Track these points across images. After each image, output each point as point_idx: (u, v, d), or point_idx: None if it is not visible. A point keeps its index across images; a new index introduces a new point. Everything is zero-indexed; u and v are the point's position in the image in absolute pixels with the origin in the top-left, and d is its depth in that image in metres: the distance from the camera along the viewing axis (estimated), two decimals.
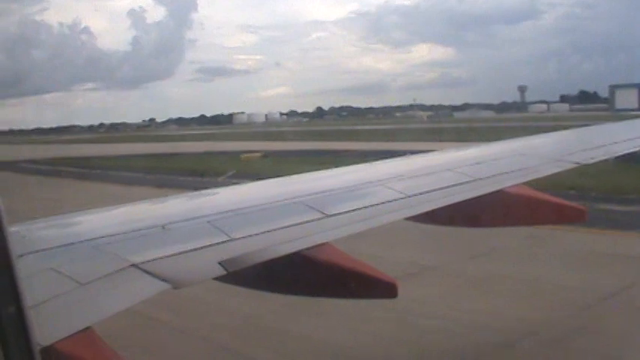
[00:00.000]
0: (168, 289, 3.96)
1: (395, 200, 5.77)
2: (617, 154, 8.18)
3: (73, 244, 4.39)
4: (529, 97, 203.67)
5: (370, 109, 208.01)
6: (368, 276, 5.04)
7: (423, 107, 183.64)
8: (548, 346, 10.89)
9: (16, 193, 35.46)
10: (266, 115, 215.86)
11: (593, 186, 24.63)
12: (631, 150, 8.23)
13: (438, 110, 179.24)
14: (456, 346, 11.21)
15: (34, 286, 3.56)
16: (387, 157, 7.98)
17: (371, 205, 5.60)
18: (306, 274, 4.94)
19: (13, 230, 3.80)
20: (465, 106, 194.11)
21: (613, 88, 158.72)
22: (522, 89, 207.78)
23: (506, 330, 11.75)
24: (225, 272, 4.25)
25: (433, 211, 5.83)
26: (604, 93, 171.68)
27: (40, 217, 5.12)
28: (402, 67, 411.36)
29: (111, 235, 4.56)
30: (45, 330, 3.12)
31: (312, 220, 5.16)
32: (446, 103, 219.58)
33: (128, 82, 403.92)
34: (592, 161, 7.48)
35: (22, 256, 3.93)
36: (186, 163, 51.63)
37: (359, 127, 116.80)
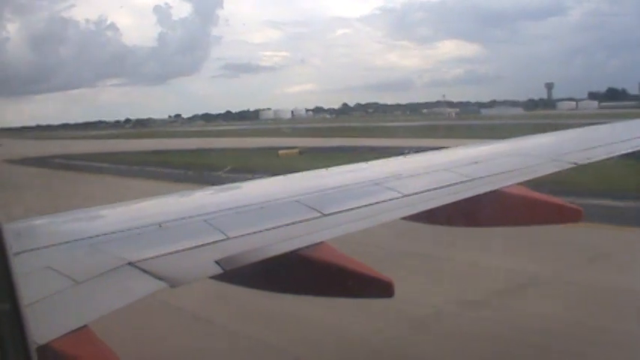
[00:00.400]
0: (164, 288, 3.96)
1: (392, 200, 5.79)
2: (614, 154, 8.12)
3: (69, 242, 4.42)
4: (556, 94, 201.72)
5: (396, 106, 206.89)
6: (364, 275, 5.06)
7: (449, 104, 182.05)
8: None
9: (52, 190, 35.17)
10: (292, 112, 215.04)
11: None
12: (628, 150, 8.21)
13: (464, 107, 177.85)
14: None
15: (31, 284, 3.65)
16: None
17: (368, 205, 5.61)
18: (303, 273, 4.94)
19: (9, 228, 3.89)
20: (492, 103, 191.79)
21: None
22: (549, 86, 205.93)
23: None
24: (221, 271, 4.25)
25: (430, 211, 5.83)
26: (632, 90, 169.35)
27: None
28: (428, 64, 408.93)
29: (108, 234, 4.59)
30: (41, 328, 3.14)
31: (309, 219, 5.18)
32: (472, 99, 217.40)
33: (154, 78, 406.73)
34: (589, 161, 7.50)
35: (18, 254, 3.98)
36: (224, 160, 50.35)
37: (389, 124, 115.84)
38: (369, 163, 7.67)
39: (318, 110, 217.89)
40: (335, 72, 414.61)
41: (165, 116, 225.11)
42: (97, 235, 4.55)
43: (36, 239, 4.43)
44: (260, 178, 9.01)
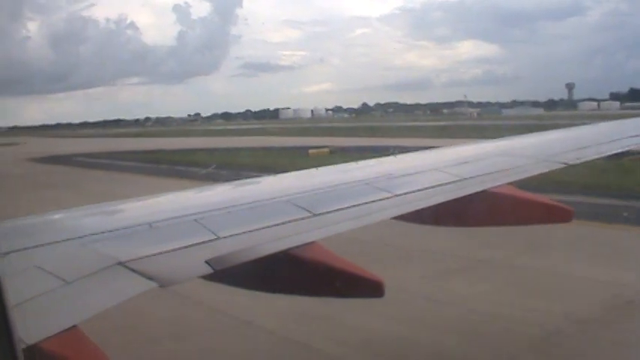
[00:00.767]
0: (154, 288, 3.92)
1: (382, 200, 5.77)
2: (604, 155, 8.10)
3: (58, 241, 4.40)
4: (576, 94, 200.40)
5: (416, 106, 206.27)
6: (355, 275, 5.03)
7: (470, 104, 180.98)
8: None
9: (82, 189, 34.52)
10: (312, 111, 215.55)
11: None
12: (618, 150, 8.19)
13: (484, 107, 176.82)
14: None
15: (20, 284, 3.62)
16: None
17: (358, 205, 5.59)
18: (294, 273, 4.91)
19: None
20: (512, 104, 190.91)
21: None
22: (570, 87, 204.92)
23: None
24: (211, 271, 4.23)
25: (420, 211, 5.81)
26: None
27: None
28: (447, 64, 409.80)
29: (97, 233, 4.56)
30: (30, 329, 3.13)
31: (300, 219, 5.15)
32: (491, 100, 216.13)
33: (173, 76, 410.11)
34: (579, 161, 7.47)
35: (7, 253, 3.97)
36: (252, 159, 49.77)
37: (412, 124, 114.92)
38: (360, 162, 7.66)
39: (337, 110, 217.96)
40: (354, 71, 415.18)
41: (185, 115, 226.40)
42: (87, 235, 4.51)
43: (25, 239, 4.39)
44: None
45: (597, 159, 7.93)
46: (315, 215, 5.24)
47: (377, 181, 6.25)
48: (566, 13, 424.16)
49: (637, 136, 8.77)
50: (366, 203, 5.65)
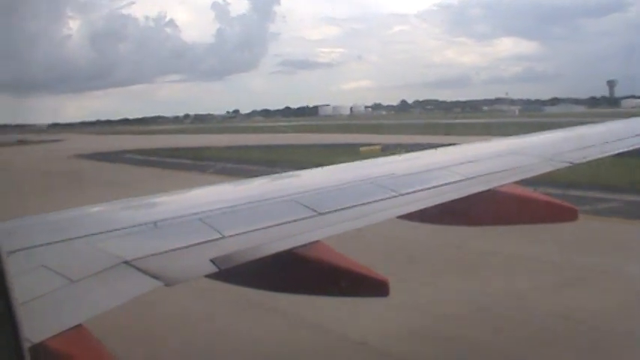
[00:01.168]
0: (160, 287, 3.93)
1: (387, 199, 5.78)
2: (609, 154, 8.04)
3: (64, 240, 4.40)
4: (618, 91, 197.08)
5: (455, 103, 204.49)
6: (360, 274, 5.04)
7: (509, 101, 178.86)
8: None
9: (146, 188, 33.98)
10: (351, 108, 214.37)
11: None
12: (624, 149, 8.19)
13: (525, 104, 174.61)
14: None
15: (26, 282, 3.65)
16: None
17: (363, 204, 5.60)
18: (298, 272, 4.91)
19: (3, 227, 4.35)
20: (554, 101, 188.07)
21: None
22: (612, 84, 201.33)
23: None
24: (217, 270, 4.24)
25: (424, 210, 5.82)
26: None
27: None
28: (486, 61, 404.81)
29: (103, 232, 4.58)
30: (36, 327, 3.17)
31: (305, 218, 5.17)
32: (531, 97, 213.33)
33: (212, 74, 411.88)
34: (584, 160, 7.51)
35: (13, 252, 3.98)
36: (305, 156, 48.23)
37: (455, 121, 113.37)
38: (365, 161, 7.79)
39: (376, 107, 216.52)
40: (392, 68, 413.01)
41: (224, 112, 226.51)
42: (93, 234, 4.53)
43: (31, 238, 4.41)
44: None
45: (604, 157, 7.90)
46: (320, 214, 5.26)
47: (382, 180, 6.26)
48: (607, 9, 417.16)
49: None
50: (371, 202, 5.68)
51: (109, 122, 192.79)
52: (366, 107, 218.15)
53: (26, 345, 2.28)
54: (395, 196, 5.85)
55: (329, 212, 5.33)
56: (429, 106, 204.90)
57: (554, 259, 16.48)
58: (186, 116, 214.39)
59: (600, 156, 7.85)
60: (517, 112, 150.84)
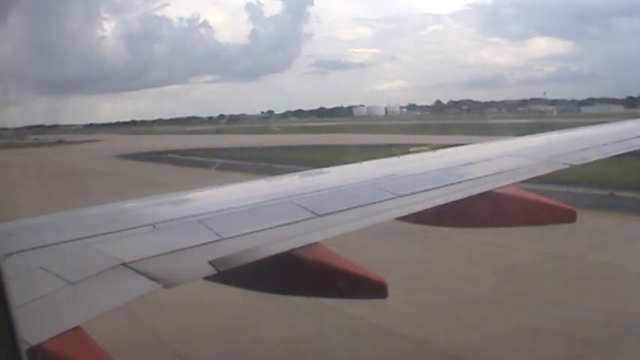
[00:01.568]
0: (158, 289, 3.94)
1: (386, 200, 5.79)
2: (608, 155, 8.04)
3: (62, 242, 4.40)
4: None
5: (490, 103, 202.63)
6: (358, 276, 5.05)
7: (546, 101, 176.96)
8: None
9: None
10: (386, 108, 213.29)
11: None
12: (622, 151, 8.17)
13: (561, 105, 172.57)
14: None
15: (23, 285, 3.66)
16: None
17: (361, 206, 5.61)
18: (297, 273, 4.92)
19: (1, 229, 4.60)
20: (590, 101, 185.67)
21: None
22: None
23: None
24: (215, 272, 4.24)
25: (423, 212, 5.81)
26: None
27: None
28: (520, 61, 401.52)
29: (101, 234, 4.58)
30: (34, 329, 3.18)
31: (303, 220, 5.17)
32: (566, 97, 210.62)
33: (245, 74, 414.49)
34: (583, 162, 7.52)
35: (11, 254, 4.00)
36: (352, 157, 47.66)
37: (494, 121, 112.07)
38: (364, 163, 7.73)
39: (411, 107, 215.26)
40: (426, 69, 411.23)
41: (258, 112, 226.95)
42: (91, 236, 4.51)
43: (29, 240, 4.38)
44: None
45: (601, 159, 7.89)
46: (318, 216, 5.26)
47: (380, 181, 6.28)
48: None
49: None
50: (370, 204, 5.68)
51: (143, 122, 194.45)
52: (401, 108, 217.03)
53: (24, 347, 2.27)
54: (394, 198, 5.87)
55: (328, 214, 5.34)
56: (465, 107, 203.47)
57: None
58: (221, 116, 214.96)
59: (599, 158, 7.87)
60: (555, 112, 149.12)
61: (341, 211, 5.45)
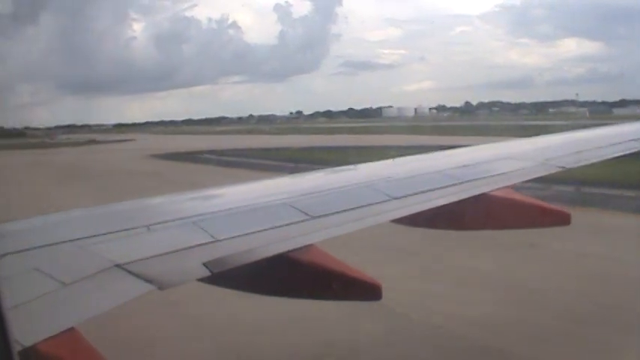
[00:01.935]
0: (152, 290, 3.92)
1: (380, 202, 5.80)
2: (603, 158, 8.07)
3: (56, 244, 4.38)
4: None
5: (521, 104, 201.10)
6: (353, 278, 5.04)
7: (576, 103, 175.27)
8: None
9: None
10: (415, 109, 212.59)
11: None
12: (617, 154, 8.22)
13: (592, 106, 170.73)
14: None
15: (17, 286, 3.63)
16: None
17: (356, 208, 5.63)
18: (291, 275, 4.91)
19: None
20: (622, 102, 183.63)
21: None
22: None
23: None
24: (209, 273, 4.24)
25: (418, 214, 5.82)
26: None
27: None
28: (549, 62, 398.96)
29: (95, 236, 4.55)
30: (27, 330, 3.16)
31: (298, 222, 5.18)
32: (596, 99, 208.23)
33: (274, 75, 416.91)
34: (577, 165, 7.58)
35: (4, 255, 3.98)
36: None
37: (525, 123, 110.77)
38: (359, 165, 7.84)
39: (440, 108, 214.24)
40: (454, 70, 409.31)
41: (287, 113, 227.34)
42: (85, 237, 4.49)
43: (23, 241, 4.39)
44: None
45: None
46: (313, 218, 5.26)
47: (376, 183, 6.28)
48: None
49: (638, 139, 8.78)
50: (364, 206, 5.68)
51: (173, 122, 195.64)
52: (431, 109, 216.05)
53: (16, 348, 2.26)
54: (389, 200, 5.87)
55: (322, 216, 5.34)
56: (495, 108, 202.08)
57: None
58: (250, 117, 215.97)
59: (594, 161, 7.91)
60: (587, 113, 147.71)
61: (335, 213, 5.46)
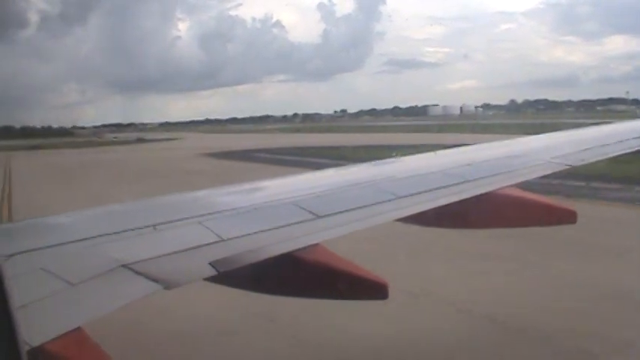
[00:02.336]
0: (159, 290, 3.93)
1: (385, 202, 5.79)
2: (608, 156, 8.08)
3: (63, 244, 4.40)
4: None
5: (568, 103, 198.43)
6: (359, 277, 5.05)
7: (626, 101, 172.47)
8: None
9: None
10: (461, 108, 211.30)
11: None
12: (622, 152, 8.21)
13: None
14: None
15: (24, 286, 3.66)
16: None
17: (361, 207, 5.62)
18: (297, 275, 4.93)
19: (2, 230, 4.88)
20: None
21: None
22: None
23: None
24: (215, 273, 4.25)
25: (423, 213, 5.81)
26: None
27: None
28: (594, 60, 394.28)
29: (101, 235, 4.57)
30: (34, 330, 3.18)
31: (304, 221, 5.18)
32: None
33: (317, 74, 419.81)
34: (582, 163, 7.59)
35: (12, 255, 3.99)
36: None
37: (574, 121, 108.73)
38: (364, 165, 7.92)
39: (486, 107, 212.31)
40: (498, 68, 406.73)
41: (331, 111, 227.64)
42: (91, 237, 4.51)
43: (29, 241, 4.43)
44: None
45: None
46: (319, 217, 5.27)
47: (380, 182, 6.32)
48: None
49: None
50: (370, 205, 5.68)
51: (217, 121, 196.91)
52: (476, 107, 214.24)
53: (25, 349, 2.26)
54: (394, 199, 5.87)
55: (328, 215, 5.34)
56: (541, 106, 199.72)
57: None
58: (295, 115, 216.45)
59: (599, 158, 7.92)
60: (638, 112, 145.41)
61: (341, 212, 5.47)
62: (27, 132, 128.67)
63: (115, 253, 4.28)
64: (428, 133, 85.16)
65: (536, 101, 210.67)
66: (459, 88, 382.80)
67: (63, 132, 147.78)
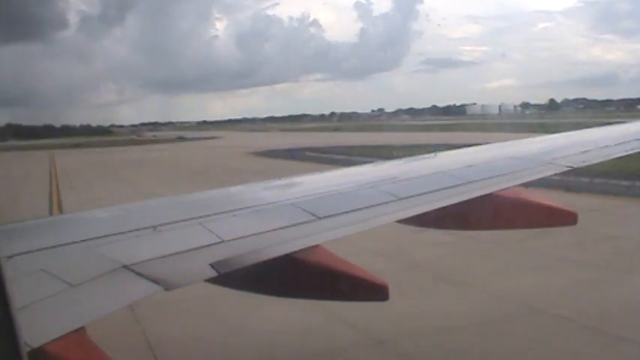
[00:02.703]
0: (159, 291, 3.93)
1: (386, 203, 5.77)
2: (610, 157, 7.94)
3: (64, 245, 4.40)
4: None
5: (608, 102, 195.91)
6: (360, 278, 5.06)
7: None
8: None
9: None
10: (499, 107, 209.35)
11: None
12: (624, 153, 8.12)
13: None
14: None
15: (25, 287, 3.67)
16: None
17: (362, 208, 5.61)
18: (298, 276, 4.93)
19: (3, 231, 4.65)
20: None
21: None
22: None
23: None
24: (216, 274, 4.25)
25: (424, 214, 5.80)
26: None
27: None
28: (634, 58, 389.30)
29: (102, 237, 4.57)
30: (35, 331, 3.19)
31: (304, 223, 5.17)
32: None
33: (354, 73, 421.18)
34: (584, 164, 7.54)
35: (12, 256, 3.98)
36: None
37: (619, 120, 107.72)
38: (365, 166, 8.09)
39: (525, 106, 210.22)
40: (536, 66, 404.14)
41: (368, 110, 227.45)
42: (92, 238, 4.51)
43: (30, 242, 4.41)
44: None
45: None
46: (319, 219, 5.25)
47: (381, 184, 6.28)
48: None
49: None
50: (371, 207, 5.66)
51: (255, 120, 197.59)
52: (515, 106, 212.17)
53: (25, 350, 2.25)
54: (395, 200, 5.85)
55: (328, 216, 5.33)
56: (580, 105, 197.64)
57: None
58: (332, 114, 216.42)
59: (601, 160, 7.83)
60: None
61: (342, 213, 5.45)
62: (67, 131, 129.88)
63: (115, 254, 4.30)
64: (469, 132, 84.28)
65: (575, 100, 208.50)
66: (497, 87, 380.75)
67: (102, 130, 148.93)
